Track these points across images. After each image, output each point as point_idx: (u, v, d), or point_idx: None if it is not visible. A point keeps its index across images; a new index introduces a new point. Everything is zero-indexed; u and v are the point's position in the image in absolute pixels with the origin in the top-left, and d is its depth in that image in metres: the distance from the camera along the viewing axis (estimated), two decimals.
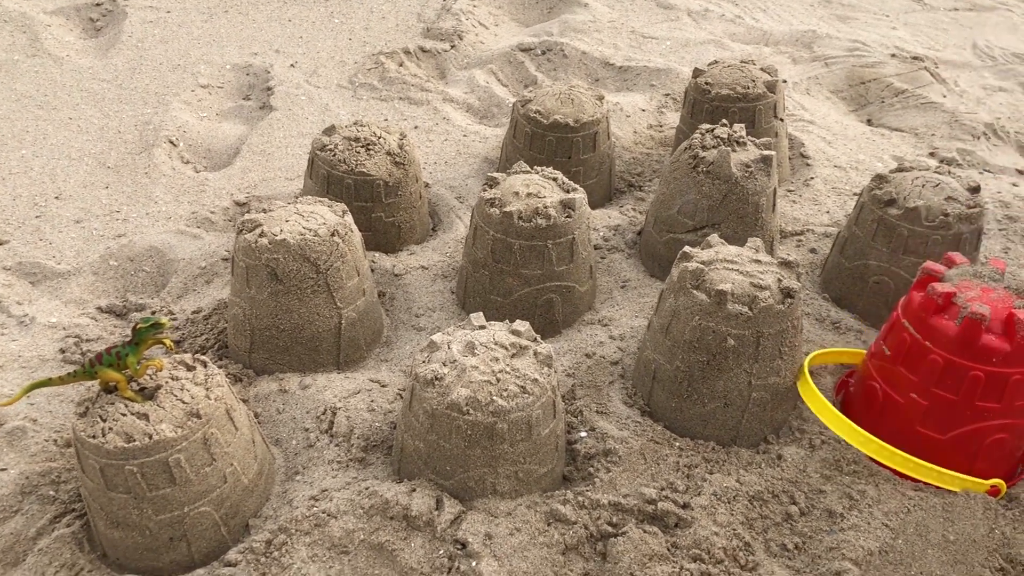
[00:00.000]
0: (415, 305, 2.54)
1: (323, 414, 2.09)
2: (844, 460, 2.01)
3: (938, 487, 1.92)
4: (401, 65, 4.22)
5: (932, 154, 3.61)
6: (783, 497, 1.93)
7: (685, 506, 1.89)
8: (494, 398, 1.76)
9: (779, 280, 2.01)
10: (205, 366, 1.84)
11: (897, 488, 1.93)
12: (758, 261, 2.08)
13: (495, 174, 2.44)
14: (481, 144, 3.55)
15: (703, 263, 2.04)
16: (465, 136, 3.62)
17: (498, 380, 1.79)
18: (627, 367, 2.30)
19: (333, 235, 2.20)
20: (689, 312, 1.99)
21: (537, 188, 2.37)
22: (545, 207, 2.30)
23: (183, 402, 1.73)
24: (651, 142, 3.63)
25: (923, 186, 2.44)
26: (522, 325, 1.94)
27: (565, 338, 2.42)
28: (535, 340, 1.93)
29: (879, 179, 2.51)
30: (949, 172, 2.53)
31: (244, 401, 2.13)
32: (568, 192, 2.40)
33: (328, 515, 1.81)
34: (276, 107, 3.79)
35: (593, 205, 3.10)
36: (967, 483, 1.90)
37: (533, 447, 1.83)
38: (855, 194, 3.23)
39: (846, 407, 2.19)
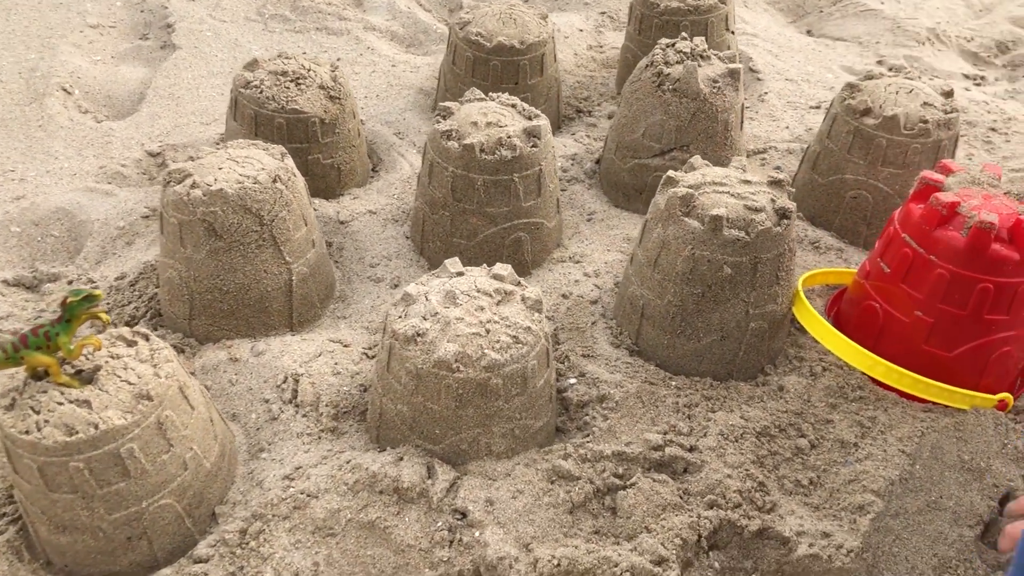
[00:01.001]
0: (368, 254, 2.34)
1: (284, 382, 1.90)
2: (849, 386, 1.93)
3: (946, 406, 1.86)
4: None
5: (880, 62, 3.54)
6: (791, 431, 1.84)
7: (692, 449, 1.78)
8: (485, 351, 1.60)
9: (772, 201, 1.89)
10: (147, 339, 1.62)
11: (907, 412, 1.86)
12: (748, 181, 1.95)
13: (448, 103, 2.24)
14: (413, 74, 3.31)
15: (691, 187, 1.91)
16: (394, 66, 3.37)
17: (487, 331, 1.63)
18: (607, 305, 2.16)
19: (275, 181, 1.97)
20: (680, 242, 1.86)
21: (496, 116, 2.18)
22: (508, 137, 2.12)
23: (129, 383, 1.51)
24: (593, 64, 3.46)
25: (897, 93, 2.35)
26: (504, 268, 1.78)
27: (537, 279, 2.27)
28: (519, 284, 1.77)
29: (851, 88, 2.41)
30: (920, 77, 2.44)
31: (191, 374, 1.92)
32: (531, 119, 2.22)
33: (308, 495, 1.63)
34: (179, 45, 3.45)
35: None
36: (976, 400, 1.85)
37: (529, 401, 1.68)
38: (812, 107, 3.14)
39: (839, 330, 2.11)
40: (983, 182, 1.87)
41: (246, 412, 1.87)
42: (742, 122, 2.53)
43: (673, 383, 1.94)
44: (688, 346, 1.95)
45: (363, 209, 2.49)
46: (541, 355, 1.68)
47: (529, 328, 1.65)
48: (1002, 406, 1.87)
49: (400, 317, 1.68)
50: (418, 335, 1.62)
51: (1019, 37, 3.75)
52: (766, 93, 3.20)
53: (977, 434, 1.81)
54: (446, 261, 1.79)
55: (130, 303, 2.17)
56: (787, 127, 2.99)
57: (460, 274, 1.77)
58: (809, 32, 3.95)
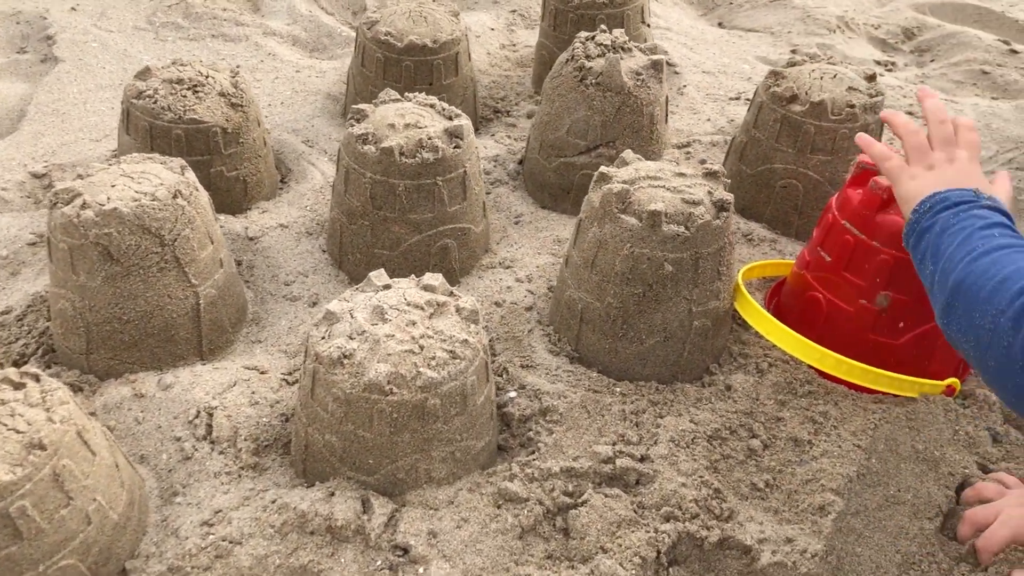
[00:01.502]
0: (281, 272, 2.19)
1: (196, 417, 1.74)
2: (797, 381, 1.88)
3: (896, 396, 1.83)
4: None
5: (794, 51, 3.55)
6: (742, 432, 1.78)
7: (643, 459, 1.69)
8: (421, 370, 1.47)
9: (710, 193, 1.83)
10: (38, 380, 1.45)
11: (858, 404, 1.82)
12: (682, 174, 1.88)
13: (362, 105, 2.11)
14: (319, 79, 3.16)
15: (626, 183, 1.83)
16: (298, 72, 3.21)
17: (421, 348, 1.51)
18: (542, 311, 2.06)
19: (176, 197, 1.81)
20: (618, 240, 1.77)
21: (415, 117, 2.07)
22: (429, 138, 2.00)
23: (18, 431, 1.34)
24: (507, 63, 3.37)
25: (822, 78, 2.33)
26: (434, 278, 1.66)
27: (467, 287, 2.16)
28: (452, 294, 1.66)
29: (775, 75, 2.37)
30: (842, 63, 2.43)
31: (91, 415, 1.74)
32: (451, 119, 2.11)
33: (230, 542, 1.48)
34: (62, 58, 3.22)
35: None
36: (924, 387, 1.81)
37: (470, 420, 1.57)
38: (731, 98, 3.11)
39: (781, 323, 2.07)
40: None
41: (156, 453, 1.70)
42: (667, 115, 2.47)
43: (618, 389, 1.85)
44: (631, 349, 1.86)
45: (273, 223, 2.33)
46: (481, 369, 1.57)
47: (467, 341, 1.54)
48: (950, 391, 1.84)
49: (323, 338, 1.54)
50: (344, 357, 1.49)
51: (923, 23, 3.83)
52: (685, 86, 3.16)
53: (928, 422, 1.78)
54: (371, 274, 1.66)
55: (17, 340, 1.97)
56: (709, 119, 2.95)
57: (387, 287, 1.65)
58: (721, 24, 3.95)
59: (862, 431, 1.75)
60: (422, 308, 1.59)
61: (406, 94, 2.17)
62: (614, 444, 1.71)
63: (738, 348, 1.97)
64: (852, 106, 2.25)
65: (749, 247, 2.34)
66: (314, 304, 2.10)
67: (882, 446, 1.74)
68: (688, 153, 2.75)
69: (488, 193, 2.51)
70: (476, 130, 2.93)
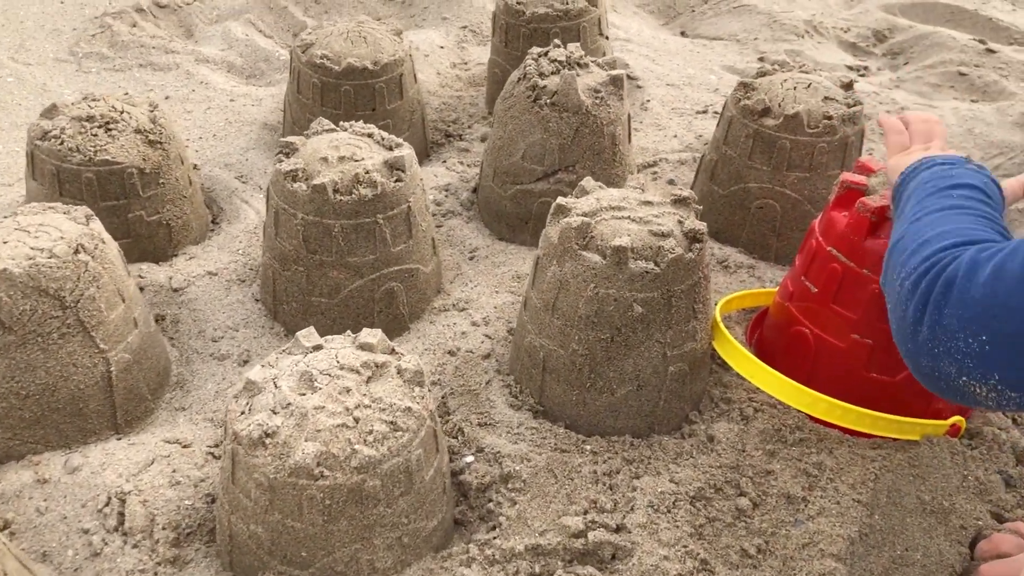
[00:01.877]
0: (209, 326, 2.00)
1: (107, 504, 1.54)
2: (786, 427, 1.71)
3: (896, 439, 1.67)
4: (135, 26, 3.52)
5: (762, 59, 3.42)
6: (728, 490, 1.61)
7: (619, 529, 1.52)
8: (356, 447, 1.29)
9: (680, 222, 1.67)
10: None
11: (855, 451, 1.66)
12: (648, 203, 1.72)
13: (291, 138, 1.93)
14: (255, 108, 2.98)
15: (586, 215, 1.66)
16: (232, 101, 3.02)
17: (356, 420, 1.32)
18: (502, 358, 1.89)
19: (77, 252, 1.62)
20: (581, 280, 1.60)
21: (350, 149, 1.89)
22: (367, 172, 1.82)
23: None
24: (459, 83, 3.21)
25: (795, 89, 2.18)
26: (372, 335, 1.48)
27: (417, 334, 1.98)
28: (393, 352, 1.48)
29: (744, 87, 2.23)
30: (815, 71, 2.29)
31: None
32: (391, 149, 1.93)
33: None
34: None
35: None
36: (927, 428, 1.66)
37: (417, 499, 1.38)
38: (698, 112, 2.97)
39: (763, 359, 1.90)
40: None
41: (60, 548, 1.50)
42: (630, 134, 2.32)
43: (588, 447, 1.68)
44: (601, 401, 1.69)
45: (201, 271, 2.14)
46: (428, 440, 1.38)
47: (409, 409, 1.36)
48: (955, 431, 1.69)
49: (242, 413, 1.35)
50: (267, 435, 1.30)
51: (894, 24, 3.72)
52: (648, 101, 3.01)
53: (934, 468, 1.62)
54: (298, 334, 1.48)
55: None
56: (675, 135, 2.80)
57: (318, 348, 1.46)
58: (683, 33, 3.81)
59: (862, 483, 1.59)
60: (358, 372, 1.40)
61: (341, 123, 2.00)
62: (585, 513, 1.54)
63: (720, 392, 1.80)
64: (830, 117, 2.10)
65: (725, 275, 2.18)
66: (245, 363, 1.91)
67: (885, 499, 1.57)
68: (655, 173, 2.59)
69: (439, 227, 2.34)
70: (426, 156, 2.76)
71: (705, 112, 2.95)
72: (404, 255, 1.92)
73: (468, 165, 2.63)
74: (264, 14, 3.71)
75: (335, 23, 2.60)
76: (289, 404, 1.34)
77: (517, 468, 1.60)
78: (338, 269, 1.86)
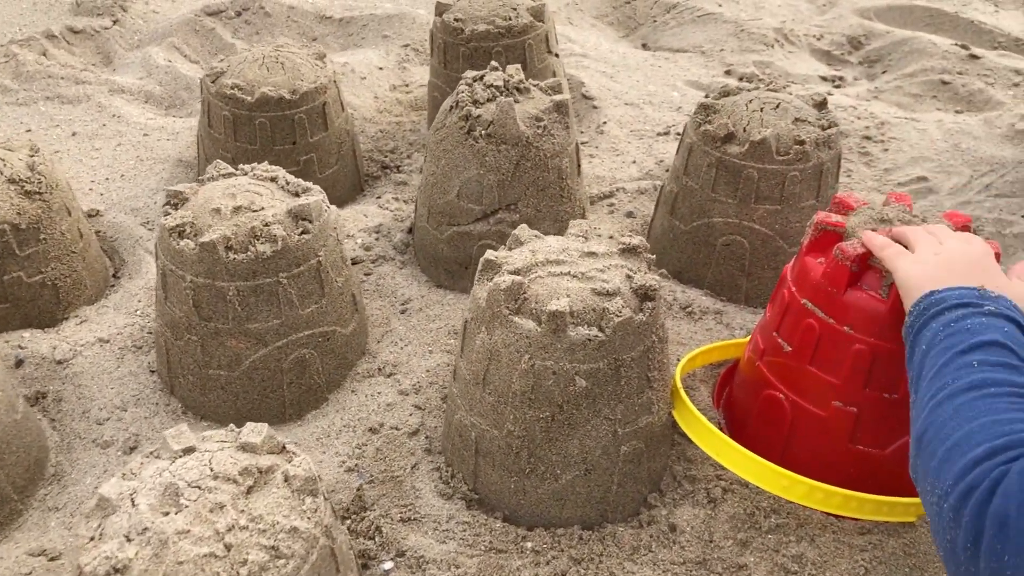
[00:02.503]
0: (95, 405, 1.77)
1: None
2: (760, 511, 1.51)
3: (886, 521, 1.46)
4: (44, 54, 3.28)
5: (728, 72, 3.24)
6: None
7: None
8: None
9: (629, 277, 1.46)
10: None
11: (840, 539, 1.45)
12: (592, 254, 1.51)
13: (180, 186, 1.71)
14: (170, 143, 2.75)
15: (518, 272, 1.45)
16: (146, 136, 2.80)
17: (228, 548, 1.10)
18: (433, 433, 1.67)
19: None
20: (514, 350, 1.39)
21: (248, 197, 1.67)
22: (266, 224, 1.61)
23: None
24: (399, 107, 3.00)
25: (762, 110, 1.99)
26: (256, 432, 1.25)
27: (336, 407, 1.76)
28: (283, 451, 1.25)
29: (705, 109, 2.03)
30: (785, 88, 2.09)
31: None
32: (298, 195, 1.72)
33: None
34: None
35: (339, 201, 2.43)
36: (922, 508, 1.45)
37: None
38: (660, 134, 2.78)
39: (733, 426, 1.71)
40: (893, 218, 1.49)
41: None
42: (579, 165, 2.11)
43: (528, 545, 1.46)
44: (543, 488, 1.48)
45: (91, 337, 1.91)
46: (322, 564, 1.16)
47: (295, 529, 1.13)
48: None
49: (92, 540, 1.13)
50: (116, 571, 1.08)
51: (870, 30, 3.55)
52: (604, 123, 2.81)
53: (934, 556, 1.43)
54: (166, 433, 1.25)
55: None
56: (634, 161, 2.61)
57: (189, 450, 1.24)
58: (645, 46, 3.63)
59: None
60: (235, 481, 1.18)
61: (241, 167, 1.78)
62: None
63: (683, 468, 1.59)
64: (801, 142, 1.91)
65: (689, 323, 1.98)
66: (132, 449, 1.68)
67: None
68: (611, 205, 2.39)
69: (368, 275, 2.12)
70: (360, 191, 2.54)
71: (667, 134, 2.76)
72: (316, 317, 1.70)
73: (404, 201, 2.42)
74: (189, 37, 3.49)
75: (251, 48, 2.39)
76: (146, 529, 1.11)
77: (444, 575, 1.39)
78: (236, 338, 1.64)
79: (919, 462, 1.08)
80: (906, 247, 1.34)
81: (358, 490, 1.53)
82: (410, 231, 2.27)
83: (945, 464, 0.99)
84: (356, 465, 1.59)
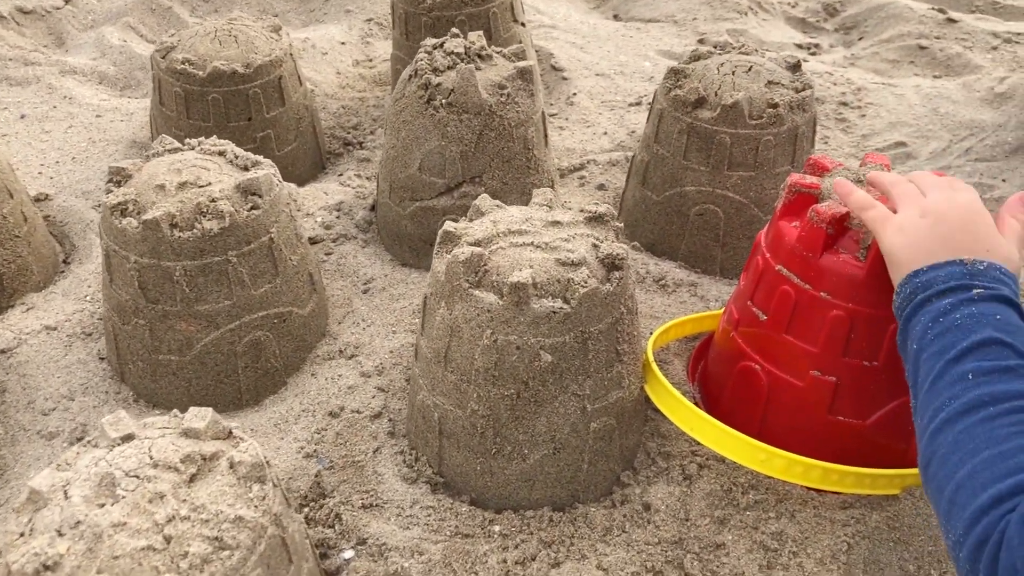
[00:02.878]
0: (40, 395, 1.69)
1: None
2: (737, 487, 1.46)
3: (869, 494, 1.42)
4: None
5: (702, 41, 3.18)
6: (670, 572, 1.35)
7: None
8: None
9: (595, 246, 1.40)
10: None
11: (821, 514, 1.40)
12: (556, 223, 1.45)
13: (123, 162, 1.63)
14: (124, 123, 2.66)
15: (478, 243, 1.38)
16: (99, 117, 2.71)
17: (167, 540, 1.04)
18: (397, 416, 1.61)
19: None
20: (475, 325, 1.33)
21: (195, 173, 1.60)
22: (212, 200, 1.53)
23: None
24: (362, 83, 2.92)
25: (733, 73, 1.93)
26: (200, 416, 1.19)
27: (295, 391, 1.70)
28: (229, 436, 1.19)
29: (675, 74, 1.97)
30: (757, 51, 2.04)
31: None
32: (247, 169, 1.65)
33: None
34: None
35: (299, 179, 2.36)
36: (907, 478, 1.41)
37: None
38: (632, 104, 2.72)
39: (709, 400, 1.65)
40: None
41: None
42: (546, 135, 2.05)
43: (496, 528, 1.41)
44: (510, 469, 1.42)
45: (38, 325, 1.83)
46: (272, 554, 1.10)
47: (240, 519, 1.07)
48: None
49: (20, 536, 1.06)
50: (46, 568, 1.01)
51: None
52: (575, 94, 2.75)
53: (919, 529, 1.38)
54: (104, 420, 1.18)
55: None
56: (605, 133, 2.54)
57: (127, 437, 1.17)
58: (616, 16, 3.56)
59: (832, 557, 1.33)
60: (176, 469, 1.12)
61: (187, 141, 1.70)
62: None
63: (657, 445, 1.54)
64: (775, 105, 1.85)
65: (663, 295, 1.92)
66: (79, 440, 1.60)
67: (861, 575, 1.32)
68: (582, 178, 2.33)
69: (328, 255, 2.05)
70: (320, 170, 2.47)
71: (639, 104, 2.70)
72: (270, 298, 1.63)
73: (367, 178, 2.34)
74: (145, 16, 3.39)
75: (203, 21, 2.30)
76: (79, 522, 1.05)
77: (407, 564, 1.33)
78: (186, 320, 1.57)
79: (929, 492, 1.05)
80: (887, 198, 1.29)
81: (316, 476, 1.47)
82: (373, 208, 2.20)
83: (954, 509, 0.97)
84: (315, 451, 1.53)
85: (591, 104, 2.70)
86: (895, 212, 1.25)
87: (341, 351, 1.78)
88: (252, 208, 1.57)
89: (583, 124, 2.60)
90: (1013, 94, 2.64)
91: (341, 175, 2.38)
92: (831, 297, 1.35)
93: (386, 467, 1.51)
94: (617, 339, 1.38)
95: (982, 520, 0.92)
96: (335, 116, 2.68)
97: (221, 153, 1.68)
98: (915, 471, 1.40)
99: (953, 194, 1.22)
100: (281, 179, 1.67)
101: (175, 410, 1.23)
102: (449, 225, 1.42)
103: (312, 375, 1.73)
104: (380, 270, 2.02)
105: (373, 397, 1.65)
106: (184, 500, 1.08)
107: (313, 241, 2.06)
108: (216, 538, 1.05)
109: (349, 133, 2.61)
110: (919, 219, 1.20)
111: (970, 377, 1.03)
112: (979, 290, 1.09)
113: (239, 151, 1.68)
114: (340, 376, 1.71)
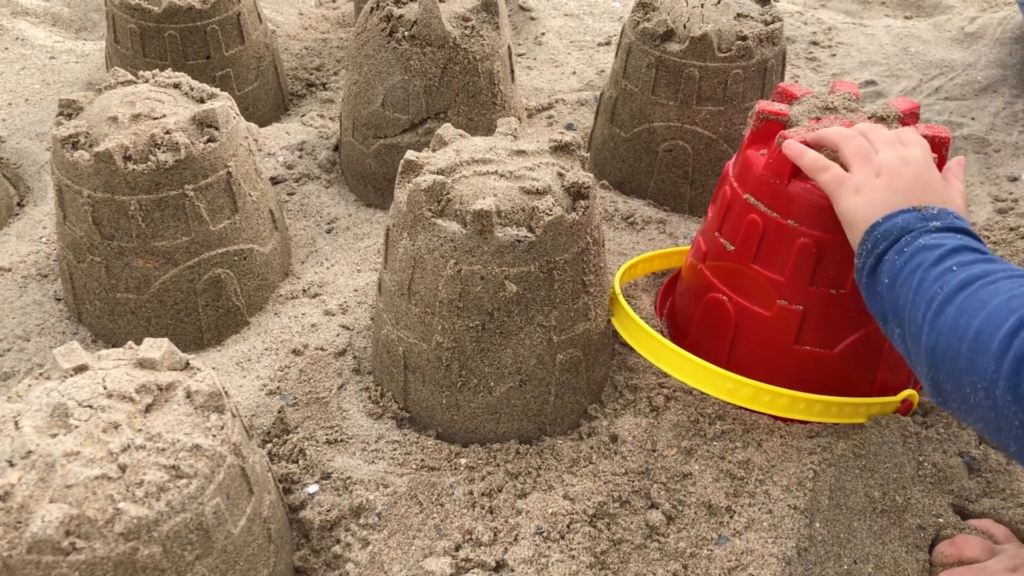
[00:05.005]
0: None
1: None
2: (705, 418, 1.45)
3: (835, 422, 1.42)
4: None
5: None
6: (637, 502, 1.34)
7: (499, 567, 1.25)
8: (121, 505, 0.98)
9: (560, 175, 1.38)
10: None
11: (788, 443, 1.41)
12: (521, 152, 1.42)
13: (74, 95, 1.58)
14: (79, 65, 2.59)
15: (441, 172, 1.36)
16: (53, 59, 2.63)
17: (123, 469, 1.02)
18: (362, 354, 1.59)
19: None
20: (438, 256, 1.31)
21: (149, 105, 1.55)
22: (167, 132, 1.49)
23: None
24: (325, 23, 2.86)
25: (703, 6, 1.90)
26: (155, 347, 1.16)
27: (257, 330, 1.67)
28: (186, 367, 1.17)
29: (644, 7, 1.94)
30: None
31: None
32: (203, 101, 1.60)
33: None
34: None
35: (261, 120, 2.31)
36: (873, 407, 1.42)
37: (223, 561, 1.09)
38: (601, 44, 2.68)
39: (677, 333, 1.65)
40: (838, 107, 1.42)
41: None
42: (513, 71, 2.01)
43: (463, 461, 1.40)
44: (476, 402, 1.41)
45: None
46: (231, 483, 1.08)
47: (198, 447, 1.05)
48: (906, 408, 1.45)
49: None
50: None
51: None
52: (543, 34, 2.70)
53: (885, 456, 1.38)
54: (56, 351, 1.16)
55: None
56: (574, 72, 2.51)
57: (81, 369, 1.14)
58: None
59: (798, 484, 1.34)
60: (131, 399, 1.09)
61: (141, 73, 1.65)
62: (457, 550, 1.26)
63: (624, 378, 1.53)
64: (744, 38, 1.83)
65: (632, 232, 1.91)
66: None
67: (827, 502, 1.33)
68: (551, 117, 2.30)
69: (291, 195, 2.01)
70: (283, 111, 2.42)
71: (608, 44, 2.66)
72: (230, 234, 1.60)
73: (330, 119, 2.30)
74: None
75: None
76: (30, 452, 1.02)
77: (371, 497, 1.32)
78: (143, 257, 1.53)
79: (941, 378, 1.02)
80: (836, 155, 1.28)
81: (279, 412, 1.45)
82: (336, 148, 2.16)
83: (976, 355, 0.95)
84: (278, 387, 1.51)
85: (560, 44, 2.66)
86: (847, 170, 1.24)
87: (304, 290, 1.75)
88: (209, 140, 1.53)
89: (551, 64, 2.56)
90: (983, 34, 2.63)
91: (304, 115, 2.34)
92: (799, 224, 1.34)
93: (351, 403, 1.49)
94: (583, 270, 1.37)
95: (1014, 342, 0.91)
96: (297, 57, 2.62)
97: (176, 85, 1.63)
98: (881, 400, 1.42)
99: (905, 150, 1.23)
100: (239, 112, 1.62)
101: (130, 342, 1.20)
102: (411, 154, 1.40)
103: (275, 314, 1.70)
104: (344, 210, 1.99)
105: (337, 335, 1.63)
106: (139, 429, 1.06)
107: (275, 181, 2.03)
108: (173, 466, 1.03)
109: (312, 74, 2.56)
110: (874, 179, 1.20)
111: (954, 269, 1.03)
112: (936, 223, 1.11)
113: (195, 83, 1.63)
114: (304, 315, 1.68)
